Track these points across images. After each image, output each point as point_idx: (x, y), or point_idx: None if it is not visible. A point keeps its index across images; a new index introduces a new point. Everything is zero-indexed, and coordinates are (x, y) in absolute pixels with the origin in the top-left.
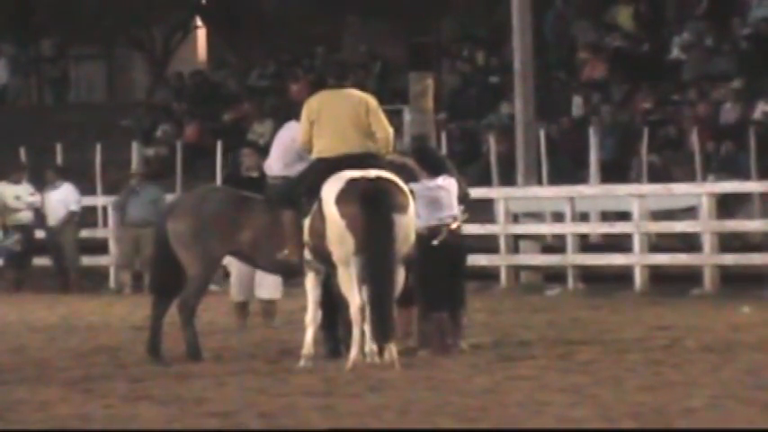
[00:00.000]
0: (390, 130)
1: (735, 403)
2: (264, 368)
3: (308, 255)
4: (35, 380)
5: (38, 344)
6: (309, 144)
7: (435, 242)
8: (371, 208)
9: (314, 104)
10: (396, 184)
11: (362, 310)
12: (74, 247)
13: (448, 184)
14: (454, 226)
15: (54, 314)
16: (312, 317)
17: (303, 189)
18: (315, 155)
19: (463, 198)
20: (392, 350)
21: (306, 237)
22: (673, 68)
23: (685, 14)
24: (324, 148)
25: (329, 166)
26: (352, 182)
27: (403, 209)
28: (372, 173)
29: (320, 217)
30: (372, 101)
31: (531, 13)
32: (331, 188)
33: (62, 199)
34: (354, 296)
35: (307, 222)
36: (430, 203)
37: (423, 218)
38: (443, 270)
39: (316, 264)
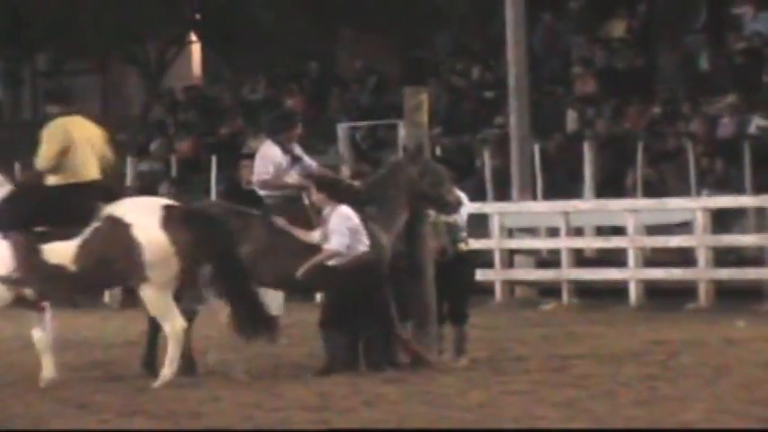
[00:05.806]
0: None
1: (729, 418)
2: (259, 383)
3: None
4: (30, 395)
5: (32, 359)
6: (54, 166)
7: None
8: (208, 230)
9: (69, 130)
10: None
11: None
12: None
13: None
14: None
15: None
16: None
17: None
18: (66, 179)
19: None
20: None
21: (70, 263)
22: (667, 83)
23: (680, 29)
24: (77, 172)
25: (84, 191)
26: (169, 208)
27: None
28: (163, 200)
29: (115, 240)
30: (101, 132)
31: (526, 27)
32: (143, 213)
33: None
34: (176, 317)
35: (75, 246)
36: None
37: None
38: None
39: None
